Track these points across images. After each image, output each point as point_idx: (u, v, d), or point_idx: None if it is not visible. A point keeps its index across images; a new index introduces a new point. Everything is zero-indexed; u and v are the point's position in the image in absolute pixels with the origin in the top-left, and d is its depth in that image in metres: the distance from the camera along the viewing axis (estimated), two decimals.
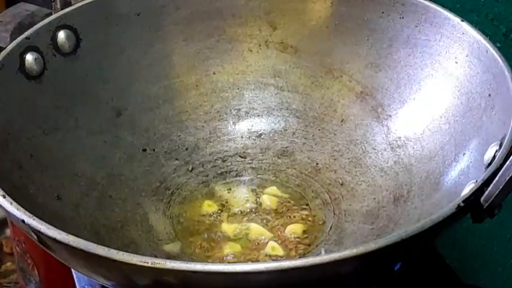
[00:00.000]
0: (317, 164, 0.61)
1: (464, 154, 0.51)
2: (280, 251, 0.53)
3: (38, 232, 0.40)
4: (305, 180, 0.60)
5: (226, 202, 0.58)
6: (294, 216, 0.56)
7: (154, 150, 0.61)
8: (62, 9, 0.60)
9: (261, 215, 0.57)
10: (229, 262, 0.52)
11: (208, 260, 0.53)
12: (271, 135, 0.63)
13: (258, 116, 0.64)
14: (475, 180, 0.44)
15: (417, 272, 0.54)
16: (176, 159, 0.61)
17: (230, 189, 0.59)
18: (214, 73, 0.65)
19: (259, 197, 0.58)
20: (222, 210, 0.57)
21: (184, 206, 0.57)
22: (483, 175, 0.42)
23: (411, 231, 0.38)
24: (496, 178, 0.41)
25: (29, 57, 0.54)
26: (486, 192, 0.41)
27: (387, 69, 0.60)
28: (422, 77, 0.58)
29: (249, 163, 0.62)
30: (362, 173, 0.59)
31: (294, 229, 0.55)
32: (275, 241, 0.54)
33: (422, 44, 0.58)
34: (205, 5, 0.64)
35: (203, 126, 0.63)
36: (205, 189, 0.59)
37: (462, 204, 0.40)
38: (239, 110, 0.64)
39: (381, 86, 0.60)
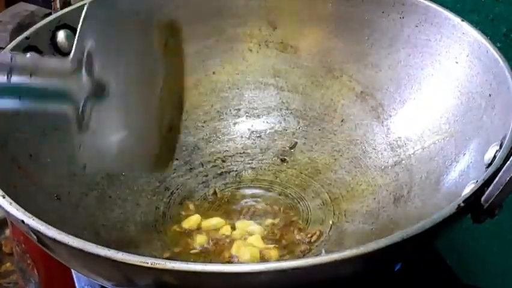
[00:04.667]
0: (317, 164, 0.61)
1: (464, 154, 0.51)
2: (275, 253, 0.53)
3: (37, 232, 0.40)
4: (305, 180, 0.60)
5: (227, 201, 0.58)
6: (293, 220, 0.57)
7: None
8: (61, 9, 0.59)
9: (260, 217, 0.57)
10: (229, 262, 0.52)
11: (209, 260, 0.53)
12: (271, 135, 0.63)
13: (258, 116, 0.64)
14: (475, 181, 0.44)
15: (417, 272, 0.54)
16: (176, 159, 0.61)
17: (230, 190, 0.59)
18: (214, 73, 0.65)
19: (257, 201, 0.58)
20: (221, 210, 0.57)
21: (184, 206, 0.57)
22: (483, 175, 0.42)
23: (412, 232, 0.38)
24: (497, 178, 0.41)
25: None
26: (486, 193, 0.41)
27: (387, 69, 0.60)
28: (423, 77, 0.58)
29: (249, 163, 0.61)
30: (362, 173, 0.58)
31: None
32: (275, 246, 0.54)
33: (422, 44, 0.58)
34: (205, 5, 0.64)
35: (203, 126, 0.63)
36: (205, 189, 0.59)
37: (462, 205, 0.40)
38: (239, 110, 0.64)
39: (382, 85, 0.60)
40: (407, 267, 0.47)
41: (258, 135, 0.63)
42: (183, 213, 0.57)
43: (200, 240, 0.54)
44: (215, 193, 0.59)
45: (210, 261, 0.52)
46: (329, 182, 0.59)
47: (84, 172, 0.52)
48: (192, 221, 0.55)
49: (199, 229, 0.55)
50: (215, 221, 0.56)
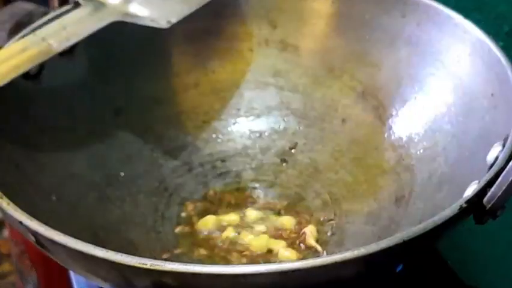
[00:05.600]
0: (318, 164, 0.60)
1: (466, 154, 0.51)
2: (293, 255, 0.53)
3: (35, 233, 0.40)
4: (305, 181, 0.59)
5: (227, 202, 0.58)
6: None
7: (153, 150, 0.61)
8: (59, 7, 0.59)
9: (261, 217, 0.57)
10: (230, 263, 0.52)
11: (209, 261, 0.52)
12: (271, 135, 0.63)
13: (258, 116, 0.64)
14: (477, 181, 0.44)
15: (419, 273, 0.53)
16: (176, 159, 0.61)
17: (229, 190, 0.59)
18: (213, 72, 0.65)
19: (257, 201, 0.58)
20: (221, 211, 0.57)
21: (183, 207, 0.57)
22: (486, 176, 0.42)
23: (413, 233, 0.38)
24: (499, 179, 0.41)
25: None
26: (489, 193, 0.41)
27: (388, 69, 0.60)
28: (424, 76, 0.58)
29: (249, 163, 0.61)
30: (363, 173, 0.58)
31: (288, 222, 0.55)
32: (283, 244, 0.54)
33: (423, 43, 0.58)
34: (205, 5, 0.64)
35: (202, 126, 0.63)
36: (204, 189, 0.59)
37: (464, 205, 0.40)
38: (239, 109, 0.64)
39: (383, 85, 0.60)
40: (409, 268, 0.47)
41: (258, 135, 0.63)
42: (183, 214, 0.57)
43: (223, 238, 0.54)
44: (215, 193, 0.59)
45: (213, 263, 0.52)
46: (330, 182, 0.59)
47: None
48: (211, 222, 0.55)
49: (219, 229, 0.55)
50: (232, 216, 0.56)
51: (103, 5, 0.55)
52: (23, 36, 0.54)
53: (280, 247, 0.53)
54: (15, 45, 0.51)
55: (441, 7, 0.57)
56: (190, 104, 0.64)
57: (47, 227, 0.40)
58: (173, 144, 0.61)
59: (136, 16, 0.56)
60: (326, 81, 0.63)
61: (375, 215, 0.54)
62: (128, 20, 0.56)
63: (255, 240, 0.54)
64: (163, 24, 0.56)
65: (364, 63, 0.61)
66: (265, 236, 0.54)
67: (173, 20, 0.56)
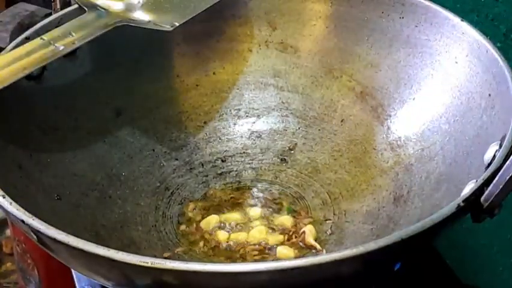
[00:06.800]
0: (317, 164, 0.61)
1: (464, 154, 0.51)
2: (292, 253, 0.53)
3: (37, 232, 0.40)
4: (305, 180, 0.60)
5: (227, 201, 0.58)
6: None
7: (153, 150, 0.61)
8: (62, 9, 0.60)
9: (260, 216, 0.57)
10: (230, 262, 0.52)
11: (210, 260, 0.53)
12: (271, 135, 0.63)
13: (258, 116, 0.64)
14: (475, 180, 0.44)
15: (417, 272, 0.54)
16: (176, 159, 0.61)
17: (230, 190, 0.59)
18: (214, 73, 0.65)
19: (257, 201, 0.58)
20: (222, 210, 0.57)
21: (184, 206, 0.57)
22: (483, 175, 0.42)
23: (411, 231, 0.38)
24: (496, 178, 0.41)
25: None
26: (486, 192, 0.41)
27: (387, 69, 0.60)
28: (422, 77, 0.58)
29: (249, 163, 0.62)
30: (362, 172, 0.59)
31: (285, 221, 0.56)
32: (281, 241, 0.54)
33: (422, 44, 0.58)
34: None
35: (203, 127, 0.63)
36: (205, 189, 0.59)
37: (462, 204, 0.40)
38: (239, 110, 0.64)
39: (381, 86, 0.60)
40: (407, 267, 0.47)
41: (258, 135, 0.64)
42: (187, 213, 0.57)
43: (223, 236, 0.54)
44: (215, 193, 0.59)
45: (213, 261, 0.52)
46: (329, 182, 0.59)
47: None
48: (212, 221, 0.56)
49: (219, 227, 0.56)
50: (232, 216, 0.56)
51: (106, 11, 0.56)
52: (26, 38, 0.54)
53: (279, 242, 0.53)
54: (22, 48, 0.52)
55: (439, 9, 0.57)
56: (191, 104, 0.64)
57: (49, 226, 0.40)
58: (174, 144, 0.62)
59: (140, 21, 0.57)
60: (325, 82, 0.63)
61: (374, 214, 0.55)
62: (132, 24, 0.57)
63: (254, 231, 0.54)
64: (167, 27, 0.56)
65: (363, 64, 0.61)
66: (264, 228, 0.54)
67: (177, 23, 0.57)
